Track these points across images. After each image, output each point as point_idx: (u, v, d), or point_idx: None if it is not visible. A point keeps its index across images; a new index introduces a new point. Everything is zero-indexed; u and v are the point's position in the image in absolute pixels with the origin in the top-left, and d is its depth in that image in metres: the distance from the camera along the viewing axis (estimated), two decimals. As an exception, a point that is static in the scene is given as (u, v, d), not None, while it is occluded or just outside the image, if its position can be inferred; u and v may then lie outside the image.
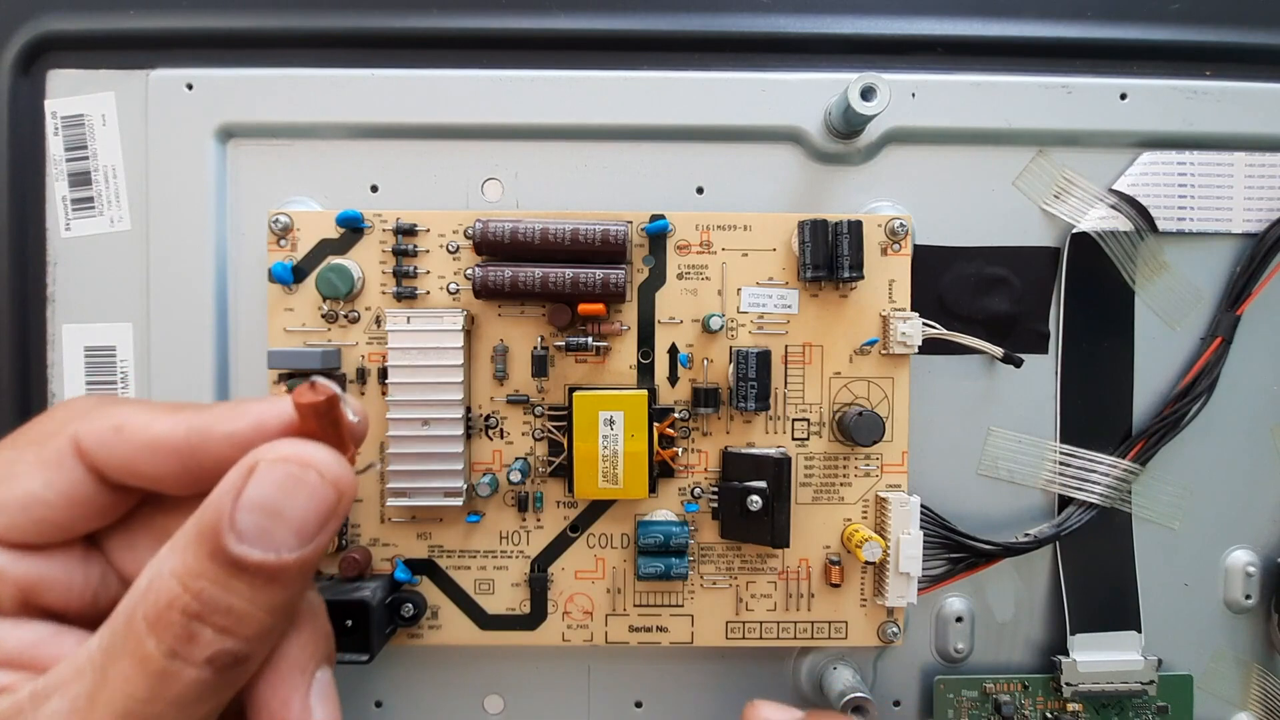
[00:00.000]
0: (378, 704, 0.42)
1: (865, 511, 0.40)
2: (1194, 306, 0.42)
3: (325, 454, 0.22)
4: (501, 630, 0.40)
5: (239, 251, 0.41)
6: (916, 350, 0.39)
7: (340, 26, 0.41)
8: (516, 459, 0.39)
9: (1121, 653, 0.42)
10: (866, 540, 0.38)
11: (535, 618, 0.40)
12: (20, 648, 0.22)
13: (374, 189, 0.41)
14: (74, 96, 0.41)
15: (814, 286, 0.39)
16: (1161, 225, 0.41)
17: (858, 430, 0.38)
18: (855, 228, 0.37)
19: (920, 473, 0.41)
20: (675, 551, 0.39)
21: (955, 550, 0.41)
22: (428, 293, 0.39)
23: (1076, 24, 0.42)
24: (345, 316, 0.39)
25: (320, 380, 0.23)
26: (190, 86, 0.41)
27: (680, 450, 0.40)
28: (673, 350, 0.39)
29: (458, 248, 0.39)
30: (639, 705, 0.43)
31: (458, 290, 0.39)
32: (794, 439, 0.40)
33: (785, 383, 0.40)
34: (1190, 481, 0.42)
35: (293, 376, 0.38)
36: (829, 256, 0.38)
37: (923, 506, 0.39)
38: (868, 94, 0.36)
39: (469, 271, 0.38)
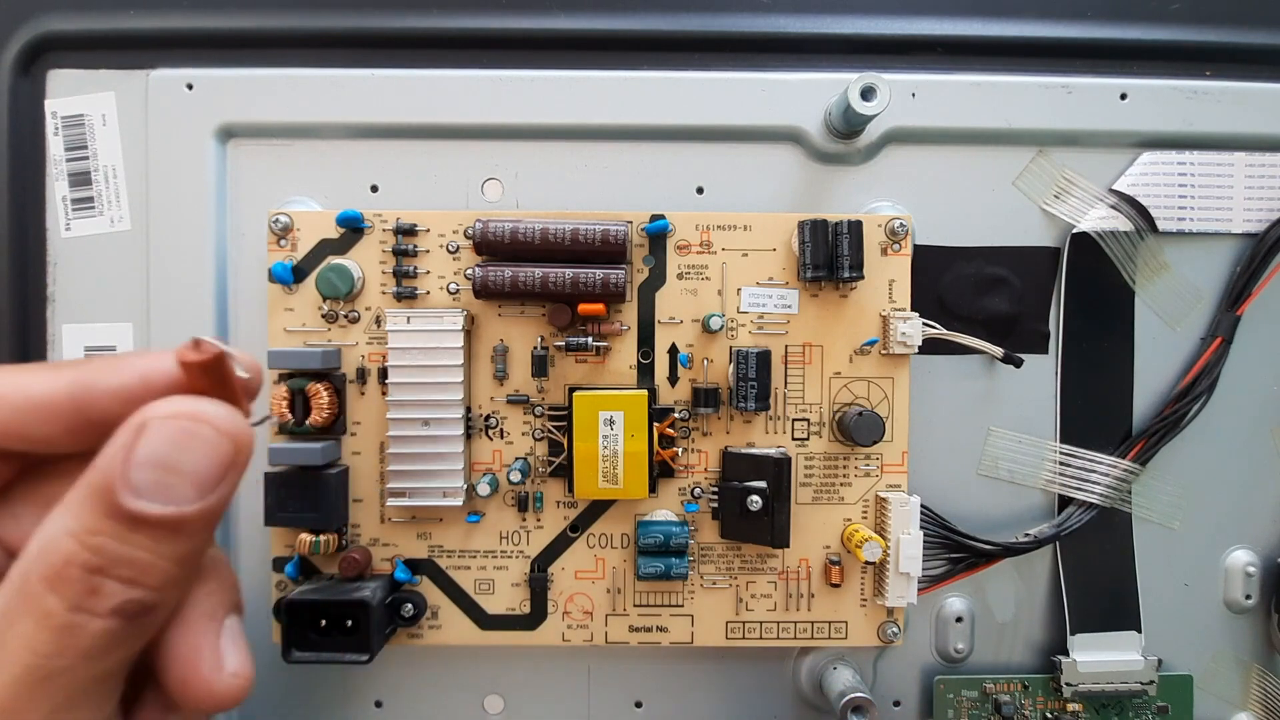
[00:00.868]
0: (378, 704, 0.42)
1: (865, 511, 0.40)
2: (1194, 306, 0.42)
3: (217, 408, 0.22)
4: (501, 630, 0.40)
5: (239, 251, 0.41)
6: (916, 350, 0.39)
7: (340, 26, 0.41)
8: (516, 459, 0.39)
9: (1121, 653, 0.42)
10: (866, 540, 0.38)
11: (535, 618, 0.40)
12: None
13: (374, 189, 0.41)
14: (74, 96, 0.41)
15: (814, 286, 0.39)
16: (1161, 225, 0.41)
17: (858, 430, 0.38)
18: (855, 228, 0.37)
19: (920, 473, 0.41)
20: (675, 551, 0.39)
21: (955, 550, 0.41)
22: (428, 293, 0.39)
23: (1076, 24, 0.42)
24: (345, 316, 0.39)
25: (205, 339, 0.23)
26: (190, 86, 0.41)
27: (680, 450, 0.40)
28: (673, 350, 0.39)
29: (458, 248, 0.39)
30: (639, 705, 0.43)
31: (458, 290, 0.39)
32: (794, 439, 0.40)
33: (785, 383, 0.40)
34: (1190, 481, 0.42)
35: (293, 377, 0.38)
36: (829, 256, 0.38)
37: (923, 506, 0.39)
38: (868, 94, 0.36)
39: (469, 271, 0.38)
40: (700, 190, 0.41)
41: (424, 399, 0.38)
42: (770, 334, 0.39)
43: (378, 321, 0.39)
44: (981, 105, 0.41)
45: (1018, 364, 0.41)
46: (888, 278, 0.39)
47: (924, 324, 0.39)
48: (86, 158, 0.41)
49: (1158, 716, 0.42)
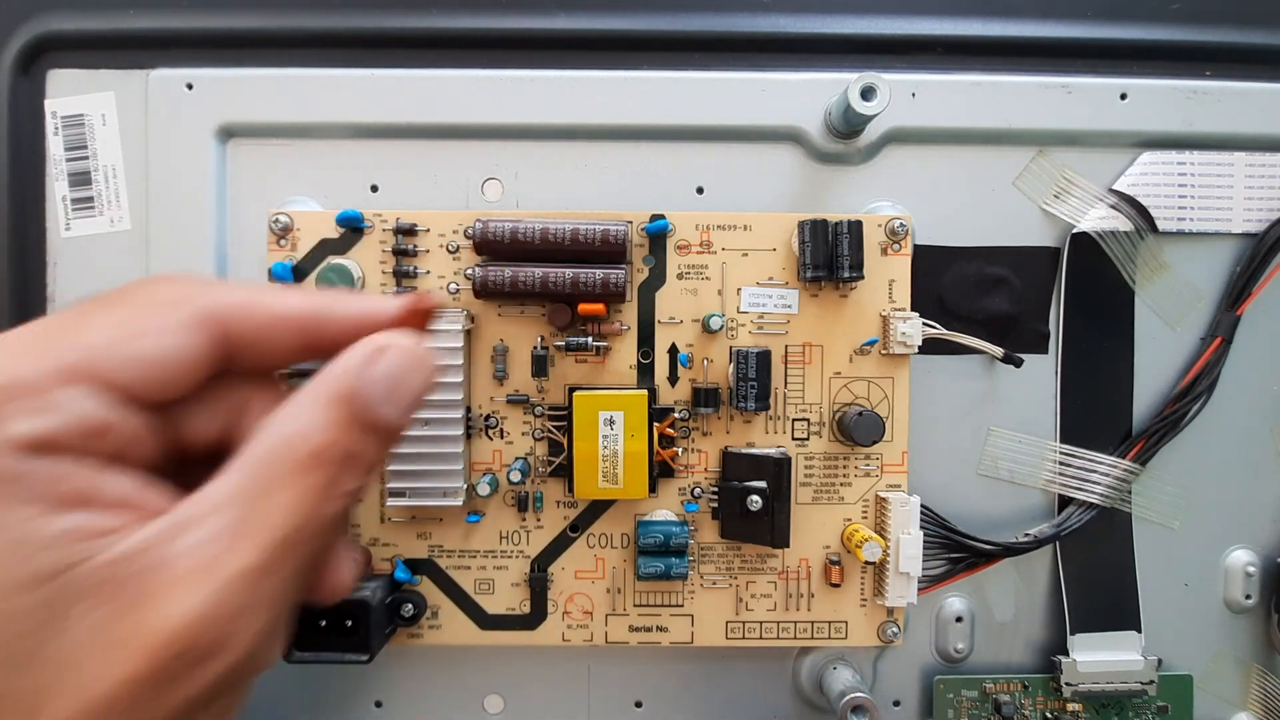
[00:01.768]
0: (378, 704, 0.42)
1: (865, 511, 0.40)
2: (1194, 306, 0.42)
3: (428, 348, 0.28)
4: (501, 630, 0.40)
5: (239, 251, 0.41)
6: (916, 350, 0.39)
7: (340, 26, 0.41)
8: (516, 459, 0.39)
9: (1121, 653, 0.42)
10: (866, 540, 0.38)
11: (535, 618, 0.40)
12: (123, 494, 0.24)
13: (374, 189, 0.41)
14: (74, 96, 0.41)
15: (814, 286, 0.39)
16: (1161, 225, 0.41)
17: (858, 430, 0.38)
18: (855, 228, 0.37)
19: (920, 473, 0.41)
20: (675, 551, 0.39)
21: (955, 550, 0.41)
22: (428, 292, 0.39)
23: (1076, 24, 0.42)
24: (345, 316, 0.39)
25: (425, 293, 0.32)
26: (190, 86, 0.41)
27: (680, 450, 0.40)
28: (673, 350, 0.39)
29: (458, 248, 0.39)
30: (639, 705, 0.43)
31: (458, 290, 0.39)
32: (794, 439, 0.40)
33: (785, 383, 0.40)
34: (1190, 481, 0.42)
35: (294, 376, 0.38)
36: (829, 256, 0.38)
37: (923, 506, 0.39)
38: (868, 94, 0.36)
39: (469, 271, 0.38)
40: (700, 190, 0.41)
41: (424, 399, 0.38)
42: (770, 334, 0.39)
43: (378, 321, 0.39)
44: (981, 105, 0.41)
45: (1018, 364, 0.41)
46: (888, 278, 0.39)
47: (924, 324, 0.39)
48: (86, 158, 0.41)
49: (1158, 716, 0.42)
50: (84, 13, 0.41)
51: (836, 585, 0.40)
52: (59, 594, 0.21)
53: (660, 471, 0.39)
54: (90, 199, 0.41)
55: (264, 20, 0.41)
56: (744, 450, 0.39)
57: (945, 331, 0.40)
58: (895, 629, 0.40)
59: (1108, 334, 0.42)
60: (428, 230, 0.39)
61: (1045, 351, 0.42)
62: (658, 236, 0.39)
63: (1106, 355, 0.42)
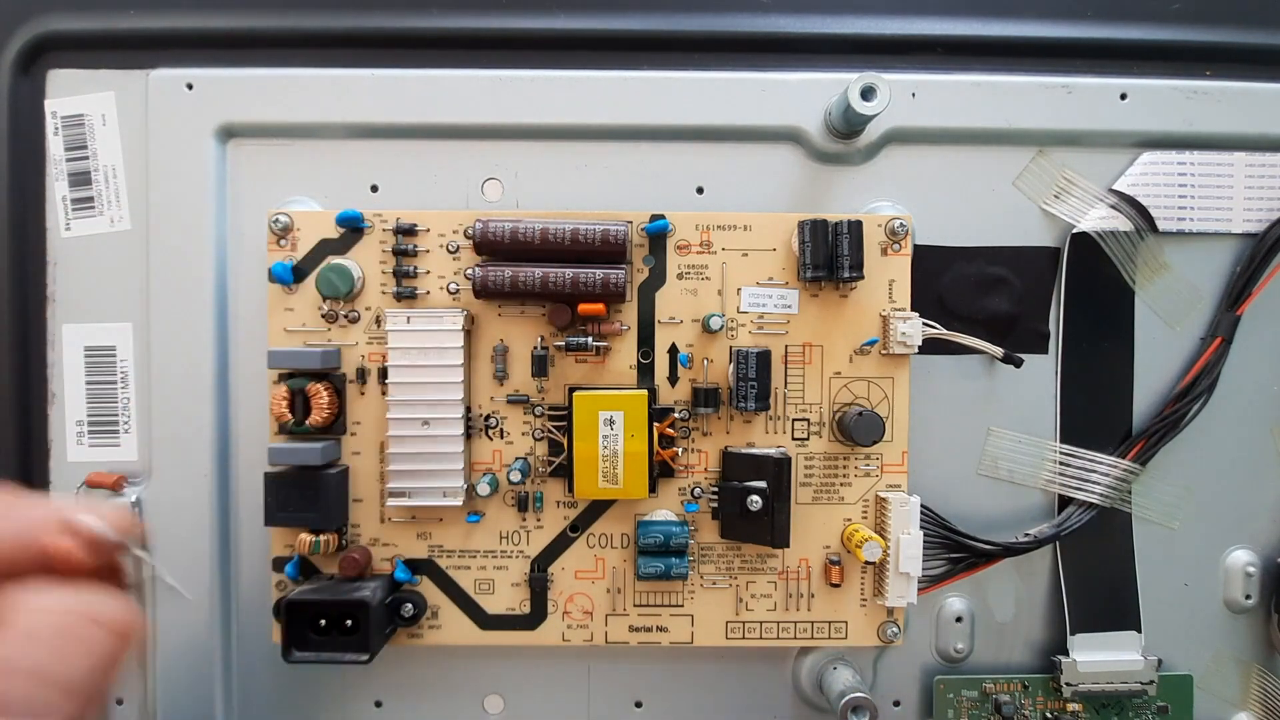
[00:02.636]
0: (378, 704, 0.42)
1: (865, 511, 0.40)
2: (1194, 306, 0.42)
3: (104, 600, 0.20)
4: (501, 630, 0.40)
5: (239, 251, 0.41)
6: (916, 350, 0.39)
7: (340, 26, 0.41)
8: (516, 459, 0.39)
9: (1121, 653, 0.42)
10: (866, 540, 0.38)
11: (535, 618, 0.40)
12: None
13: (374, 189, 0.41)
14: (74, 96, 0.41)
15: (814, 286, 0.39)
16: (1161, 225, 0.41)
17: (858, 430, 0.38)
18: (855, 228, 0.37)
19: (920, 473, 0.41)
20: (675, 551, 0.39)
21: (955, 550, 0.41)
22: (428, 293, 0.39)
23: (1076, 24, 0.42)
24: (345, 316, 0.39)
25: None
26: (190, 86, 0.41)
27: (680, 450, 0.40)
28: (673, 350, 0.39)
29: (458, 248, 0.39)
30: (639, 705, 0.43)
31: (458, 290, 0.39)
32: (794, 439, 0.40)
33: (785, 383, 0.40)
34: (1190, 481, 0.42)
35: (293, 376, 0.38)
36: (829, 256, 0.38)
37: (923, 506, 0.39)
38: (868, 94, 0.36)
39: (469, 271, 0.38)
40: (700, 190, 0.41)
41: (424, 399, 0.38)
42: (770, 334, 0.39)
43: (378, 321, 0.39)
44: (981, 105, 0.41)
45: (1018, 364, 0.41)
46: (888, 278, 0.39)
47: (924, 324, 0.39)
48: (86, 158, 0.41)
49: (1158, 716, 0.42)
50: (84, 13, 0.41)
51: (836, 585, 0.40)
52: None
53: (660, 471, 0.39)
54: (90, 199, 0.41)
55: (264, 20, 0.41)
56: (744, 450, 0.39)
57: (945, 331, 0.40)
58: (895, 629, 0.40)
59: (1108, 334, 0.42)
60: (428, 230, 0.39)
61: (1045, 351, 0.42)
62: (658, 236, 0.39)
63: (1106, 355, 0.42)
